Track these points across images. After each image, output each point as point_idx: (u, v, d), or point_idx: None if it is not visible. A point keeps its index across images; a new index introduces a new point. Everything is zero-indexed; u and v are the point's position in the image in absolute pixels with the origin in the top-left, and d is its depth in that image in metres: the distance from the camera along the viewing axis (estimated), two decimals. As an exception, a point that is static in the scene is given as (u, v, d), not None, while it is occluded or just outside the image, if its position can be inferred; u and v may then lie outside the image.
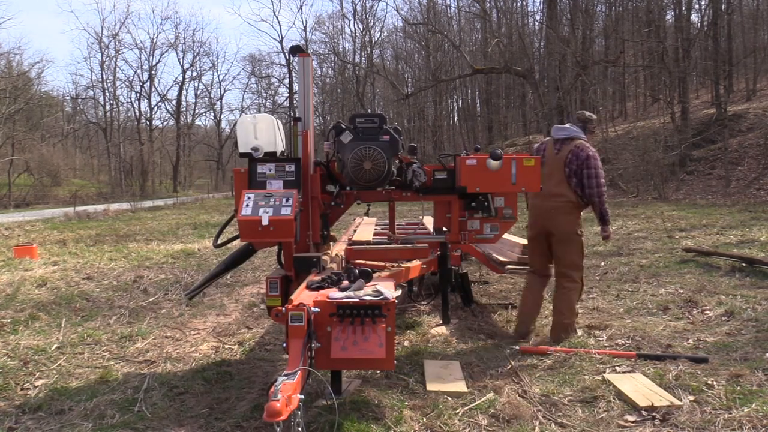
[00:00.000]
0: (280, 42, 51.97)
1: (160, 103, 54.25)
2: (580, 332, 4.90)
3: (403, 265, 4.78)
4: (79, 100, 53.92)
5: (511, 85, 39.09)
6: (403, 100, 37.99)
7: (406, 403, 3.57)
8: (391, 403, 3.56)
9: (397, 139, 4.70)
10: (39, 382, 4.14)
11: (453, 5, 40.92)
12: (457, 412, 3.45)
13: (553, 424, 3.31)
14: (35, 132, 43.59)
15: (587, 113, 5.17)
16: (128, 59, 53.68)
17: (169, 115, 55.45)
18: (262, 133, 4.55)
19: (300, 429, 2.78)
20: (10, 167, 33.79)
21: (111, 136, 47.68)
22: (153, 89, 52.14)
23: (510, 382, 3.90)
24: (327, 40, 52.69)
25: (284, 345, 3.20)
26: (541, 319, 5.50)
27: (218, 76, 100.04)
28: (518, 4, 38.16)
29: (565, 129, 4.99)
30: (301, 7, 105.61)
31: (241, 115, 34.35)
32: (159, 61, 72.23)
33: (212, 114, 59.81)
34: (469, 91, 44.42)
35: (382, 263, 4.80)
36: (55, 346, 4.95)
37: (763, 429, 3.10)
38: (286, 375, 2.82)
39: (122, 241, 13.18)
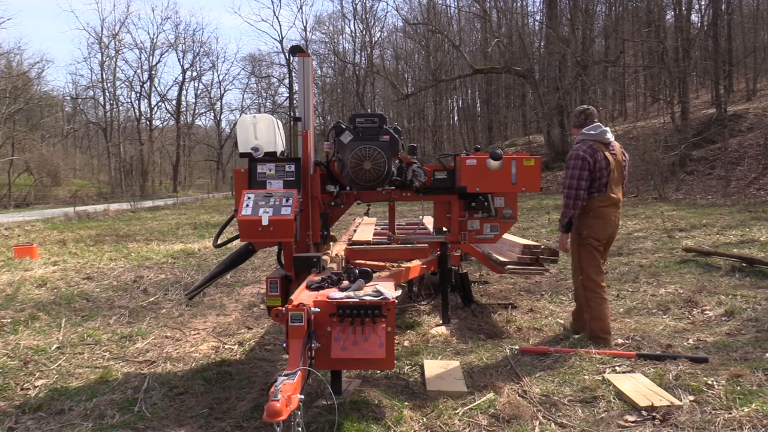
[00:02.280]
0: (280, 42, 52.01)
1: (160, 103, 54.32)
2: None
3: (403, 265, 4.79)
4: (79, 100, 53.99)
5: (511, 85, 39.08)
6: (403, 100, 37.96)
7: (406, 403, 3.57)
8: (391, 403, 3.55)
9: (397, 139, 4.70)
10: (39, 382, 4.14)
11: (453, 5, 40.91)
12: (457, 412, 3.45)
13: (553, 424, 3.31)
14: (35, 132, 43.53)
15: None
16: (128, 59, 53.67)
17: (169, 115, 55.49)
18: (262, 133, 4.56)
19: (300, 429, 2.78)
20: (10, 167, 33.79)
21: (111, 136, 47.66)
22: (153, 89, 52.18)
23: (510, 382, 3.90)
24: (327, 40, 52.74)
25: (284, 345, 3.21)
26: (541, 319, 5.51)
27: (218, 76, 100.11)
28: (518, 4, 38.22)
29: (607, 130, 4.62)
30: (301, 7, 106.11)
31: (241, 115, 34.34)
32: (159, 61, 72.37)
33: (212, 114, 59.89)
34: (469, 91, 44.41)
35: (382, 263, 4.81)
36: (55, 346, 4.95)
37: (763, 429, 3.10)
38: (286, 375, 2.82)
39: (122, 241, 13.18)
